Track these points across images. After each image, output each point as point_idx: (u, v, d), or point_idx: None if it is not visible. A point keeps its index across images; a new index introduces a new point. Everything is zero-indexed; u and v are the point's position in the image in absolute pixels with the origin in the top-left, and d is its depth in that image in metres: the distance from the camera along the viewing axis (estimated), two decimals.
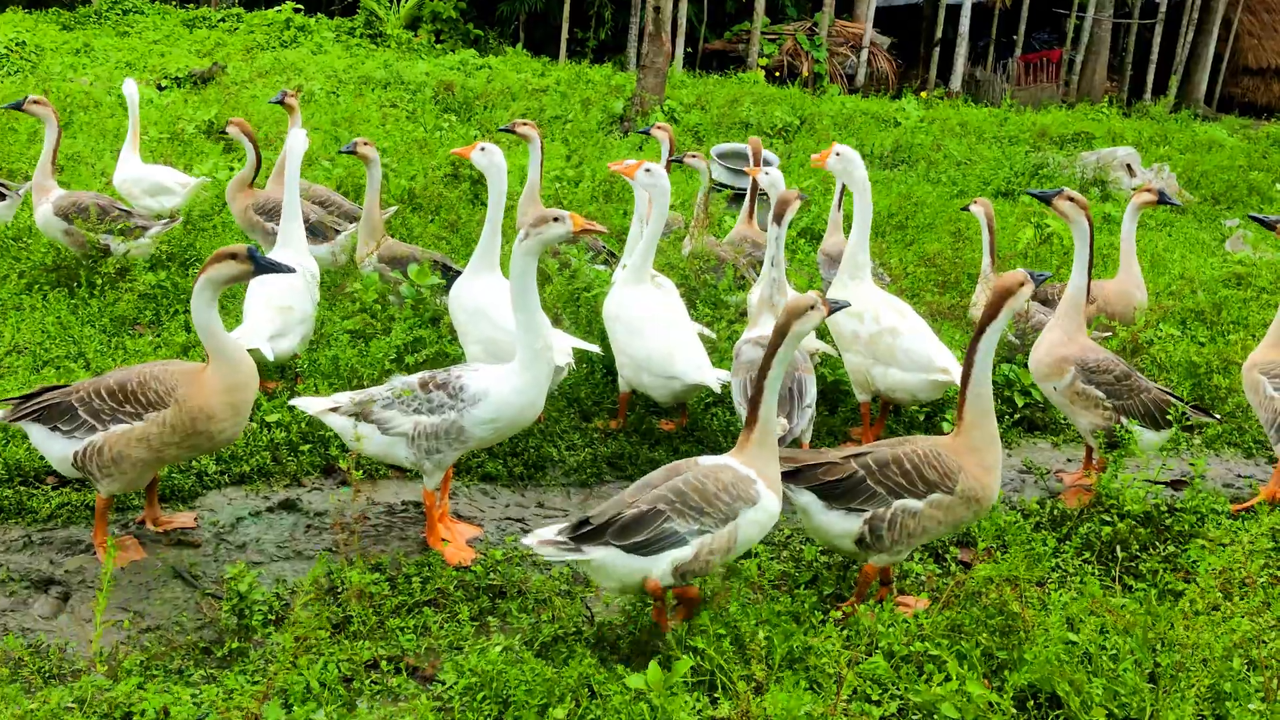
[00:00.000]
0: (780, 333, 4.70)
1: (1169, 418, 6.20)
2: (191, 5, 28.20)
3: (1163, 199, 8.24)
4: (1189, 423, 6.27)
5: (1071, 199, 6.48)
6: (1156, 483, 6.25)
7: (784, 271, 6.53)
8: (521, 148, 15.65)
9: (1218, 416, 6.45)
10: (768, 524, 4.64)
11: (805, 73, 28.34)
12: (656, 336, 6.37)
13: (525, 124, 9.35)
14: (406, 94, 20.21)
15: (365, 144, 8.07)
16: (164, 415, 4.79)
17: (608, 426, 6.77)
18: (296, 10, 26.63)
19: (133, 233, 8.51)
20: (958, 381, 6.33)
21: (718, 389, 6.36)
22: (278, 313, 6.55)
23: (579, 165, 13.86)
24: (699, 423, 6.90)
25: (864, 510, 4.84)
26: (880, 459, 4.89)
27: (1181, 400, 6.34)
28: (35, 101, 8.84)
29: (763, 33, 28.87)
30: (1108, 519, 5.79)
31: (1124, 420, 6.17)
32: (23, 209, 9.28)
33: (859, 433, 7.04)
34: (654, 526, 4.45)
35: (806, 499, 4.93)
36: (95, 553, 5.01)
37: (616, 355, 6.63)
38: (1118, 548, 5.64)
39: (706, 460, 4.73)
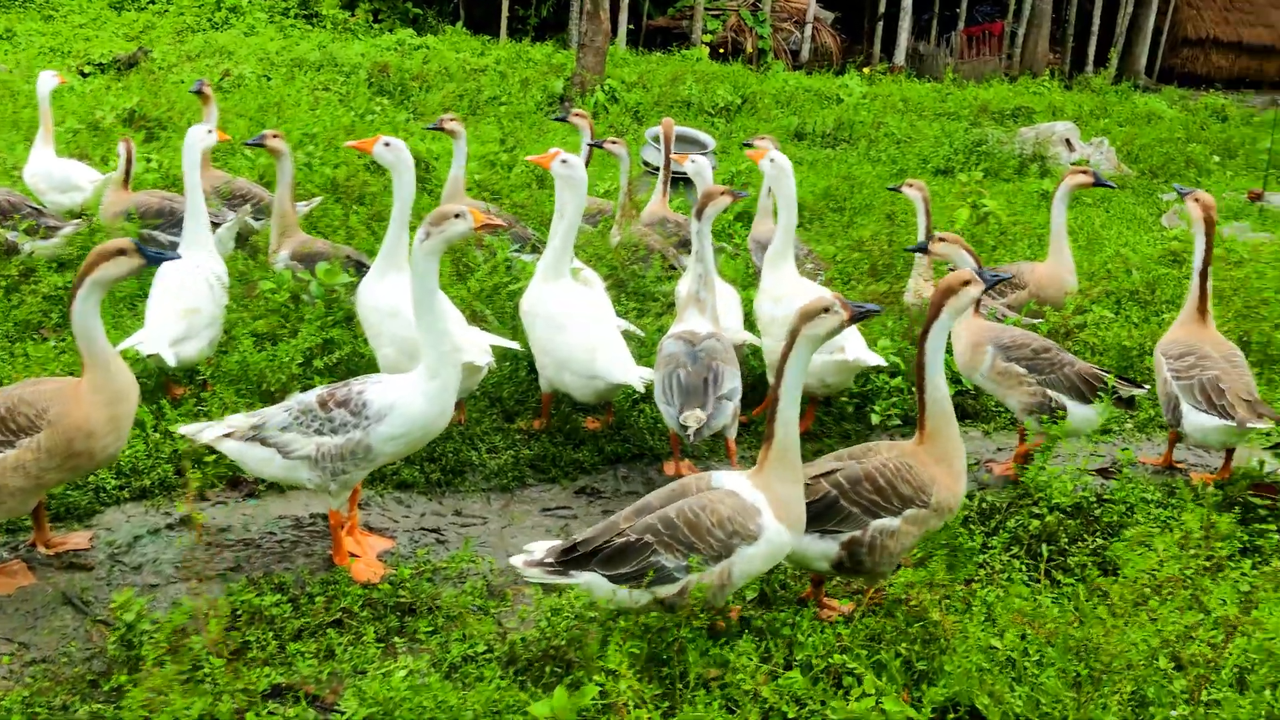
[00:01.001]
0: (792, 337, 4.43)
1: (1099, 391, 6.13)
2: None
3: (1098, 181, 8.16)
4: (1119, 395, 6.20)
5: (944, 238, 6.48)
6: (1085, 472, 6.16)
7: (711, 266, 6.35)
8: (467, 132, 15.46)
9: (1144, 386, 6.37)
10: (774, 556, 4.38)
11: (749, 49, 28.15)
12: (578, 334, 6.19)
13: (453, 119, 9.07)
14: (340, 76, 19.78)
15: (274, 136, 7.79)
16: (38, 440, 4.52)
17: (531, 427, 6.58)
18: None
19: (38, 232, 8.19)
20: (860, 361, 6.37)
21: (641, 388, 6.20)
22: (182, 316, 6.29)
23: (513, 149, 13.59)
24: (625, 420, 6.73)
25: (839, 532, 4.64)
26: (851, 476, 4.68)
27: (1107, 371, 6.27)
28: None
29: (706, 9, 28.61)
30: (1037, 511, 5.70)
31: (1051, 394, 6.10)
32: None
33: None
34: (640, 559, 4.23)
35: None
36: None
37: (536, 354, 6.43)
38: (1045, 542, 5.54)
39: (718, 479, 4.46)
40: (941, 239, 6.52)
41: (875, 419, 6.91)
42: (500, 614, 4.90)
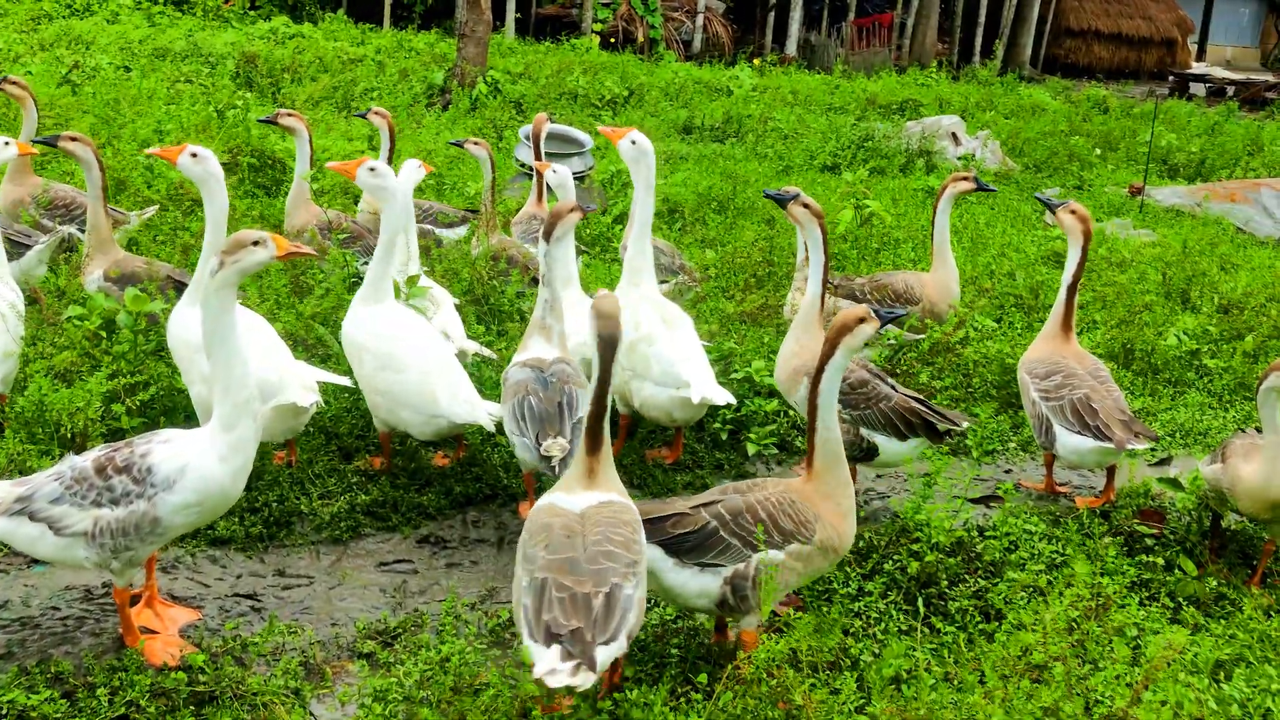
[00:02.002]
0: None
1: (916, 427, 5.84)
2: None
3: (980, 185, 7.86)
4: (937, 429, 5.89)
5: (806, 205, 6.07)
6: (966, 501, 5.80)
7: (560, 291, 5.82)
8: (334, 125, 14.62)
9: (964, 424, 5.99)
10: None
11: (641, 39, 27.66)
12: (414, 368, 5.61)
13: (290, 114, 8.39)
14: (205, 67, 18.75)
15: (72, 139, 7.00)
16: None
17: (370, 466, 5.98)
18: None
19: None
20: (706, 400, 5.89)
21: (491, 426, 5.69)
22: None
23: (455, 143, 12.85)
24: (477, 456, 6.17)
25: (721, 566, 4.39)
26: (733, 507, 4.47)
27: (927, 405, 5.92)
28: None
29: None
30: (916, 550, 5.31)
31: (864, 432, 5.85)
32: None
33: (658, 453, 6.44)
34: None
35: (653, 554, 4.33)
36: None
37: (366, 391, 5.82)
38: (924, 586, 5.15)
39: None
40: (804, 204, 6.10)
41: (751, 449, 6.45)
42: (319, 696, 4.33)
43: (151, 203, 9.31)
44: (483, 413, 5.65)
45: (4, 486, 4.29)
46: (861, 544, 5.45)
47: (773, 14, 30.40)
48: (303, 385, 5.46)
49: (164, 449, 4.25)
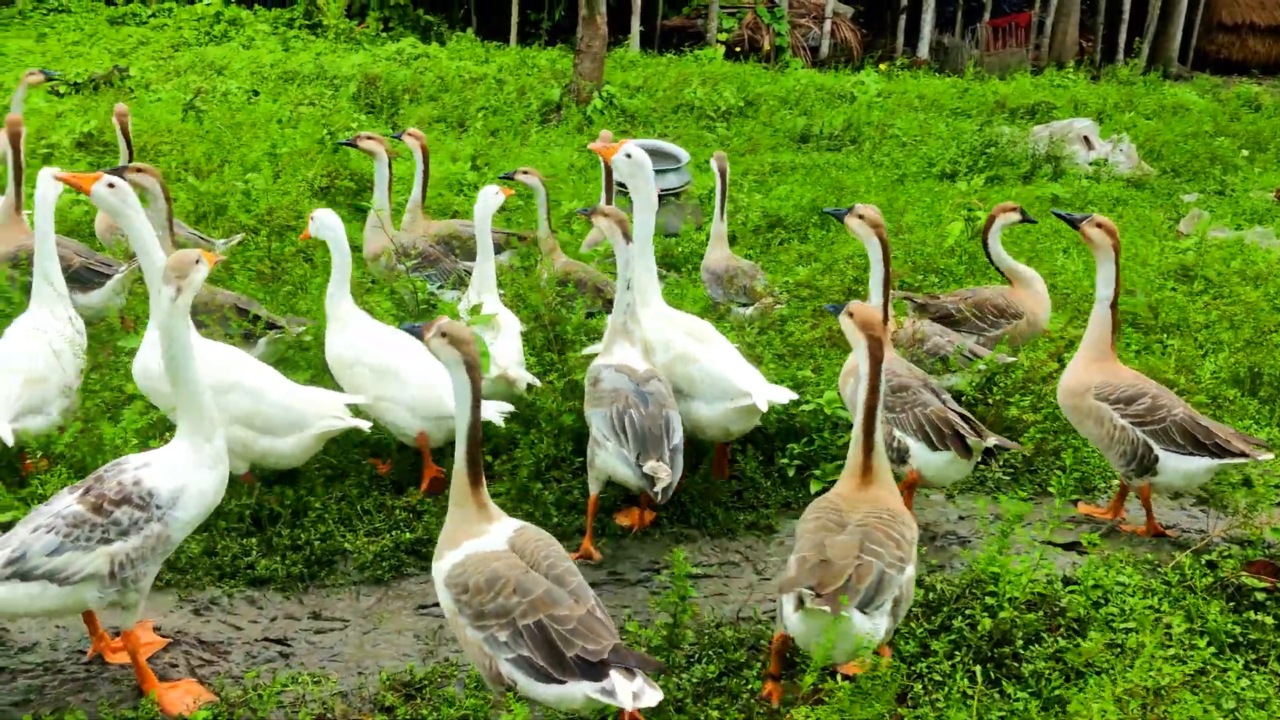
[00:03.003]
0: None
1: (964, 439, 5.57)
2: (121, 1, 27.09)
3: (1025, 217, 7.71)
4: (966, 443, 5.57)
5: (862, 216, 5.85)
6: (1050, 547, 5.31)
7: (635, 296, 5.73)
8: (442, 145, 14.69)
9: (990, 442, 5.62)
10: None
11: (766, 47, 27.25)
12: (416, 374, 5.80)
13: (370, 137, 8.34)
14: (329, 90, 19.15)
15: (138, 169, 6.96)
16: None
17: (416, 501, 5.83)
18: (228, 2, 25.49)
19: None
20: (762, 405, 5.71)
21: (500, 422, 5.83)
22: (26, 386, 5.61)
23: (484, 167, 12.86)
24: (528, 492, 5.93)
25: (884, 603, 4.34)
26: (876, 540, 4.41)
27: (968, 421, 5.61)
28: None
29: (722, 7, 27.75)
30: (991, 604, 4.85)
31: (897, 434, 5.64)
32: None
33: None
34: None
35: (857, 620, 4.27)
36: None
37: (372, 406, 5.88)
38: (996, 645, 4.70)
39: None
40: (860, 215, 5.86)
41: (815, 486, 6.05)
42: None
43: (245, 228, 9.42)
44: (492, 410, 5.74)
45: None
46: (930, 595, 5.03)
47: (904, 17, 29.56)
48: (333, 410, 5.53)
49: (150, 472, 4.28)
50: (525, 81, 20.43)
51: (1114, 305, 5.94)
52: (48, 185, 6.17)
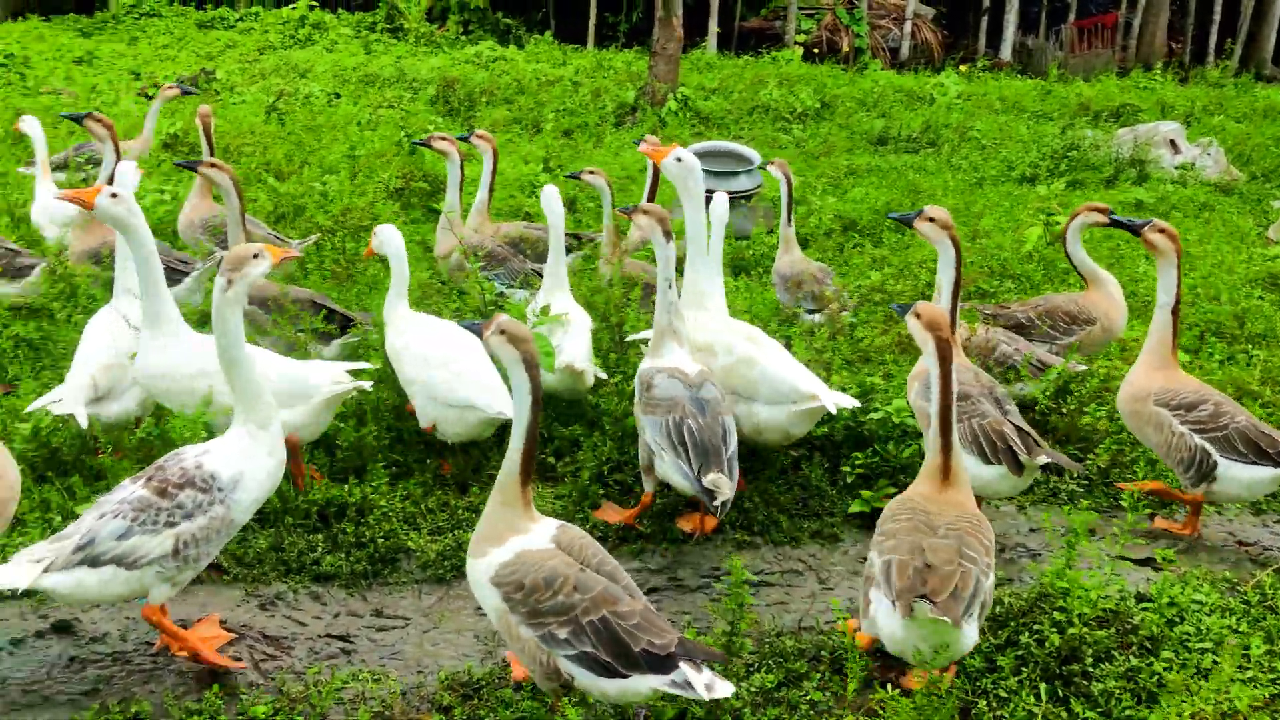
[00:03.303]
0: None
1: (1017, 455, 5.46)
2: (210, 5, 27.73)
3: (1117, 222, 7.13)
4: (1017, 458, 5.47)
5: (933, 219, 5.76)
6: (1123, 561, 5.16)
7: (676, 294, 5.73)
8: (515, 147, 14.74)
9: (1043, 459, 5.48)
10: None
11: (845, 49, 27.00)
12: (445, 368, 5.89)
13: (443, 138, 8.42)
14: (408, 92, 19.40)
15: (211, 165, 7.14)
16: None
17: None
18: (312, 7, 25.95)
19: (20, 273, 7.81)
20: (831, 408, 5.70)
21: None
22: (104, 371, 5.79)
23: (556, 169, 12.89)
24: (589, 494, 5.92)
25: (976, 612, 4.36)
26: (971, 548, 4.42)
27: (1026, 436, 5.51)
28: None
29: (801, 8, 27.56)
30: (1061, 620, 4.72)
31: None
32: None
33: None
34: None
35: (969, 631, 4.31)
36: None
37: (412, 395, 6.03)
38: (1064, 662, 4.57)
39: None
40: (931, 218, 5.75)
41: (855, 507, 5.93)
42: None
43: (321, 229, 9.56)
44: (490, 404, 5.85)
45: (41, 547, 4.26)
46: (997, 609, 4.91)
47: (986, 18, 29.08)
48: (333, 379, 5.62)
49: (210, 458, 4.44)
50: (601, 84, 20.48)
51: (1175, 311, 5.86)
52: (126, 178, 6.33)
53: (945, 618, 4.09)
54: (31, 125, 9.47)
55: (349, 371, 5.73)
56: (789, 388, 5.77)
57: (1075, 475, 6.35)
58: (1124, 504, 5.08)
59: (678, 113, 18.12)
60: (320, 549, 5.35)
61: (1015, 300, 8.05)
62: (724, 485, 5.20)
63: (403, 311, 6.28)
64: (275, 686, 4.46)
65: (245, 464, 4.46)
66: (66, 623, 4.78)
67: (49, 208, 9.17)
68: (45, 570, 4.14)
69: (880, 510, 5.43)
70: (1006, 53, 27.84)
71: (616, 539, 5.70)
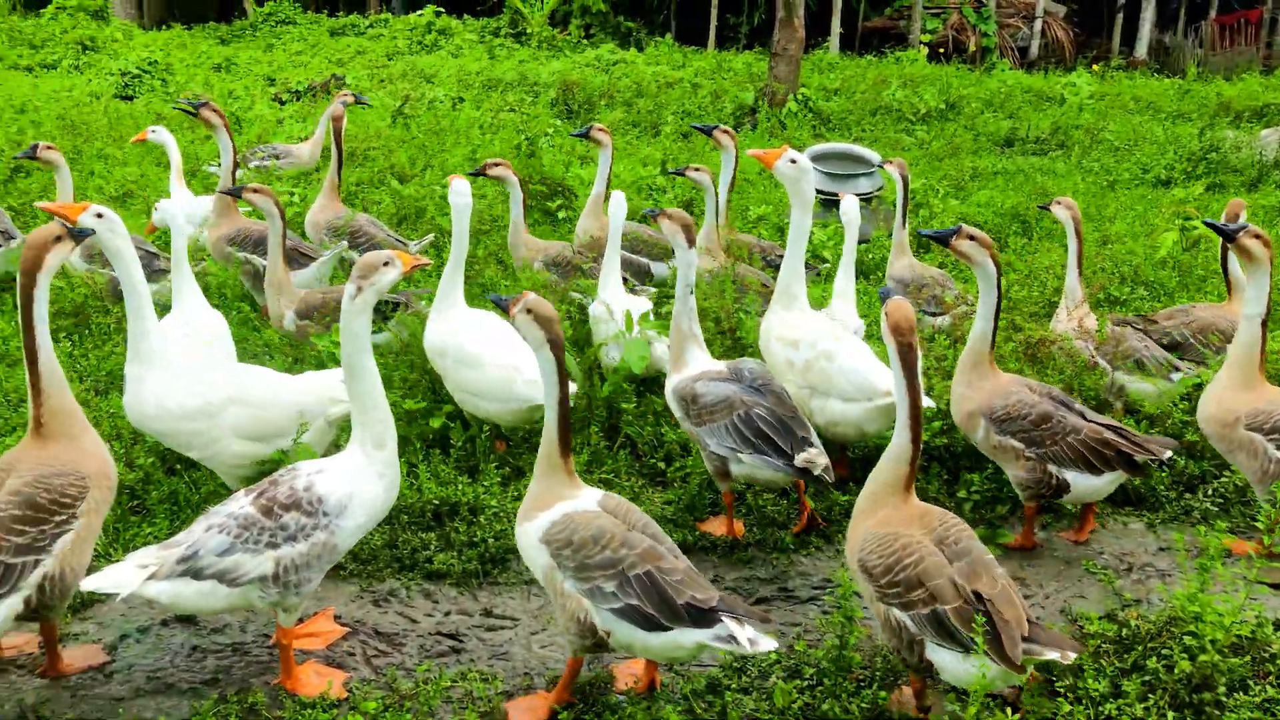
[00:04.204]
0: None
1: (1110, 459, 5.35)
2: (342, 13, 28.52)
3: (1210, 225, 6.63)
4: (1134, 461, 5.36)
5: (973, 237, 5.36)
6: (1261, 585, 4.89)
7: (694, 299, 5.79)
8: (633, 149, 14.78)
9: (1166, 454, 5.37)
10: None
11: (972, 48, 26.41)
12: (489, 363, 5.97)
13: (498, 164, 8.42)
14: (529, 96, 19.62)
15: (254, 190, 7.34)
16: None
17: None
18: (439, 13, 26.48)
19: (157, 275, 8.12)
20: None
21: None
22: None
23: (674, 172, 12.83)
24: (697, 501, 5.87)
25: None
26: (991, 567, 4.27)
27: (1123, 434, 5.38)
28: (48, 148, 8.62)
29: (926, 7, 27.07)
30: (1195, 645, 4.49)
31: (1052, 469, 5.37)
32: None
33: None
34: None
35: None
36: None
37: (453, 390, 6.18)
38: (1192, 690, 4.35)
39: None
40: (971, 236, 5.38)
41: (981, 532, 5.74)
42: None
43: (440, 230, 9.71)
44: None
45: (150, 552, 4.28)
46: (1123, 632, 4.70)
47: (1121, 15, 28.12)
48: (333, 397, 5.51)
49: (323, 478, 4.35)
50: (720, 85, 20.41)
51: (1264, 324, 5.50)
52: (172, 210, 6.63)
53: (1065, 655, 3.97)
54: (161, 134, 9.83)
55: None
56: (865, 384, 5.79)
57: (1212, 491, 6.06)
58: (1260, 525, 4.82)
59: (798, 114, 17.95)
60: (433, 547, 5.41)
61: (1158, 310, 7.73)
62: (815, 456, 5.22)
63: (455, 299, 6.26)
64: (386, 682, 4.52)
65: (355, 486, 4.35)
66: (190, 614, 4.92)
67: (184, 211, 9.50)
68: (149, 578, 4.16)
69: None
70: (1142, 51, 26.90)
71: (726, 548, 5.64)
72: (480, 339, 6.05)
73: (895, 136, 16.93)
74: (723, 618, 3.97)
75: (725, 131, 8.85)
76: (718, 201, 8.62)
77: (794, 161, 6.13)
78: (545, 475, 4.37)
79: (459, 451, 6.12)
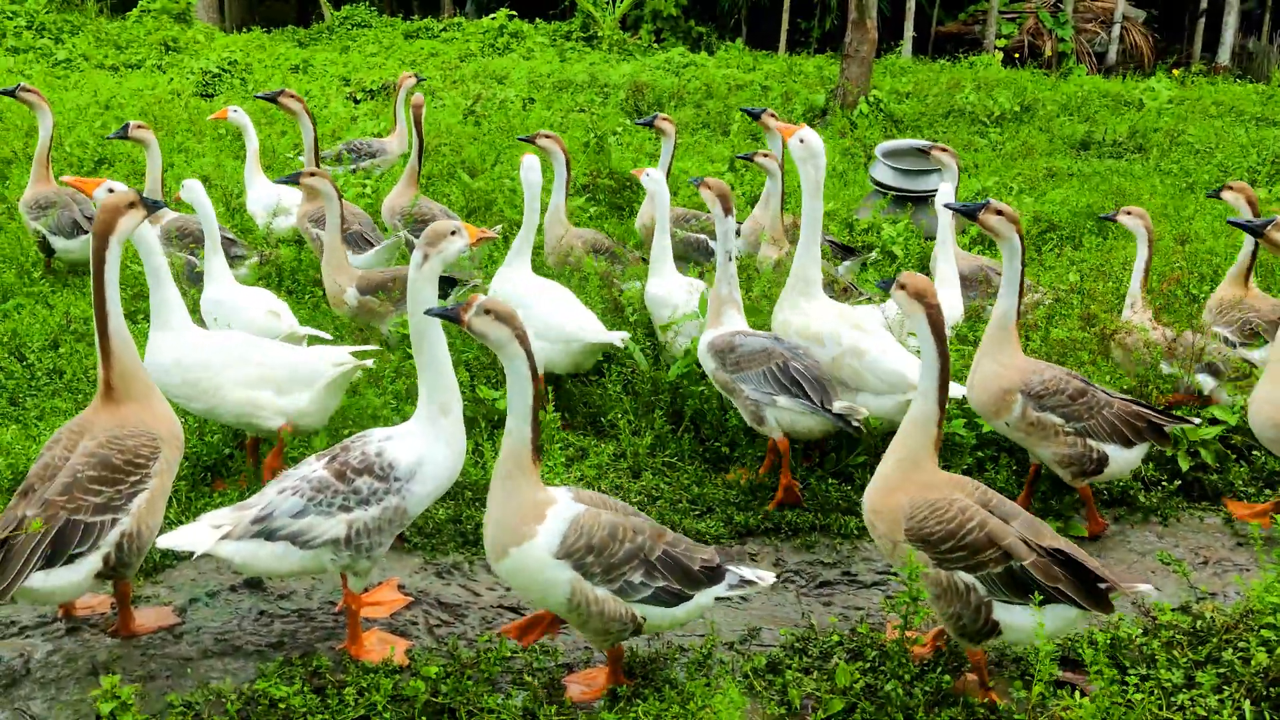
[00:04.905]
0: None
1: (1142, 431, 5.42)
2: (417, 16, 28.90)
3: (1233, 223, 6.34)
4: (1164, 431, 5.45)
5: (1000, 211, 5.30)
6: None
7: (736, 264, 6.10)
8: (702, 148, 14.79)
9: (1196, 421, 5.57)
10: None
11: (1048, 53, 26.02)
12: (541, 304, 6.50)
13: (548, 136, 8.52)
14: (599, 97, 19.72)
15: (311, 174, 7.42)
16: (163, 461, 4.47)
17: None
18: (511, 17, 26.72)
19: (233, 261, 8.28)
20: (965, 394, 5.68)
21: (621, 344, 6.47)
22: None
23: (741, 169, 12.81)
24: (761, 487, 5.83)
25: None
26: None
27: (1150, 407, 5.45)
28: (140, 127, 8.81)
29: (1001, 12, 26.73)
30: (1272, 638, 4.36)
31: (1092, 443, 5.35)
32: None
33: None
34: None
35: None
36: None
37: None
38: (1270, 684, 4.22)
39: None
40: (998, 211, 5.29)
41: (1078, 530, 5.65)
42: None
43: (508, 221, 9.80)
44: (615, 336, 6.44)
45: (224, 513, 4.32)
46: (1198, 624, 4.58)
47: (1203, 20, 27.52)
48: (334, 360, 5.60)
49: (392, 444, 4.39)
50: (791, 87, 20.34)
51: None
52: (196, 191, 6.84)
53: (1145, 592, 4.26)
54: (240, 116, 10.02)
55: (353, 353, 5.74)
56: (898, 378, 5.72)
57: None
58: None
59: (869, 115, 17.82)
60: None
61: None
62: (855, 406, 5.49)
63: (521, 269, 6.84)
64: (447, 651, 4.54)
65: (424, 453, 4.39)
66: (257, 578, 4.99)
67: (262, 198, 9.70)
68: (223, 538, 4.21)
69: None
70: (1225, 56, 26.28)
71: (788, 531, 5.60)
72: (537, 288, 6.71)
73: (968, 138, 16.72)
74: (727, 568, 4.23)
75: (773, 116, 8.83)
76: (781, 190, 8.58)
77: (803, 141, 6.03)
78: (515, 483, 4.07)
79: None
